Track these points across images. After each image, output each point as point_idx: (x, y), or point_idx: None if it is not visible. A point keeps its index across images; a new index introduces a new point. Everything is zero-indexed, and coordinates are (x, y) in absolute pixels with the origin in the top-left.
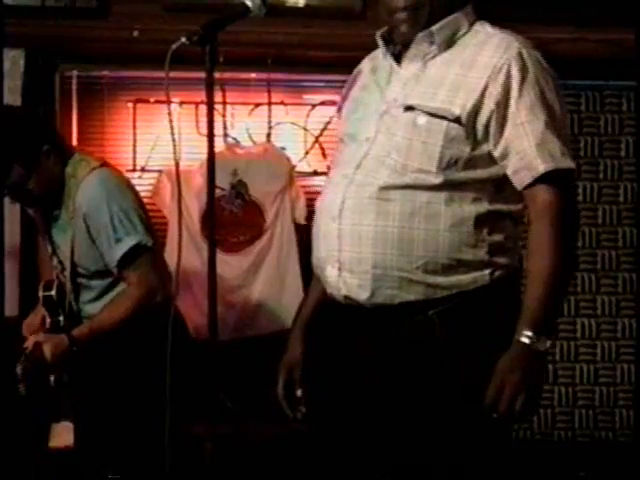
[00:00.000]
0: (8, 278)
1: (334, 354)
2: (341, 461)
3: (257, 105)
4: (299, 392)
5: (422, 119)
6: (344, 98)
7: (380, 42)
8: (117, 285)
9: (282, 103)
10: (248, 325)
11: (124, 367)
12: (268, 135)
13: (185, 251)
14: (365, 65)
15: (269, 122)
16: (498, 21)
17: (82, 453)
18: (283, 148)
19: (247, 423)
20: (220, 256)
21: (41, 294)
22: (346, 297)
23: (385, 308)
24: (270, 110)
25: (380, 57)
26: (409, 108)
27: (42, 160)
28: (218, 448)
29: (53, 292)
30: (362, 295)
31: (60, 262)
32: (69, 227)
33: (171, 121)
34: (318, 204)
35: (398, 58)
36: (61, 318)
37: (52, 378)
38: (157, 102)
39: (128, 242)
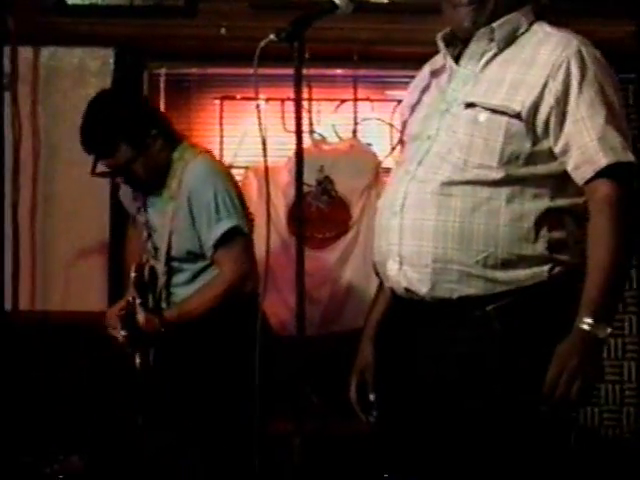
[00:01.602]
0: (97, 273)
1: (397, 351)
2: (411, 462)
3: (343, 101)
4: (372, 396)
5: (483, 116)
6: (407, 101)
7: (441, 44)
8: (208, 269)
9: (368, 99)
10: (334, 321)
11: (207, 362)
12: (354, 131)
13: (271, 247)
14: (426, 68)
15: (355, 118)
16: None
17: (154, 449)
18: (369, 144)
19: (334, 419)
20: (306, 252)
21: (133, 274)
22: (407, 290)
23: (445, 302)
24: (356, 106)
25: (440, 59)
26: (470, 105)
27: (150, 143)
28: (305, 444)
29: (145, 273)
30: (422, 289)
31: (154, 246)
32: (169, 207)
33: (259, 117)
34: (381, 200)
35: (457, 59)
36: (150, 300)
37: (137, 360)
38: (244, 99)
39: (227, 223)
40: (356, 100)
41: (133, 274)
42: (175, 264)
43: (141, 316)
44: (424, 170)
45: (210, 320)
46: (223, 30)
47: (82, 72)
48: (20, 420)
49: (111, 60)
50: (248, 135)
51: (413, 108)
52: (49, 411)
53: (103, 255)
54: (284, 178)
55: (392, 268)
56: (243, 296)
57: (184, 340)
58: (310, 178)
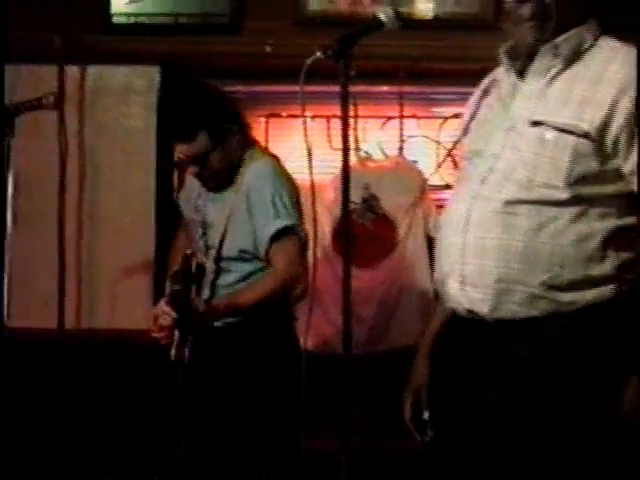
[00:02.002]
0: (142, 291)
1: (455, 368)
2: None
3: (389, 118)
4: (426, 415)
5: (550, 134)
6: (467, 116)
7: (504, 58)
8: (257, 274)
9: (414, 116)
10: (380, 340)
11: (238, 375)
12: (400, 148)
13: (317, 264)
14: (487, 81)
15: (401, 135)
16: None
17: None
18: (415, 161)
19: (380, 436)
20: (352, 270)
21: (179, 265)
22: (468, 311)
23: (508, 323)
24: (402, 123)
25: (503, 73)
26: (536, 123)
27: (228, 138)
28: (351, 462)
29: (192, 265)
30: (484, 309)
31: (206, 244)
32: (229, 202)
33: (305, 135)
34: (442, 219)
35: (521, 74)
36: (192, 292)
37: (173, 351)
38: (290, 116)
39: (284, 221)
40: (402, 117)
41: (180, 265)
42: (224, 264)
43: (190, 298)
44: (488, 188)
45: (245, 328)
46: (268, 48)
47: (127, 90)
48: (67, 438)
49: (157, 78)
50: (294, 153)
51: (473, 124)
52: (96, 429)
53: (148, 273)
54: (330, 195)
55: (453, 287)
56: (292, 299)
57: (215, 348)
58: (356, 196)
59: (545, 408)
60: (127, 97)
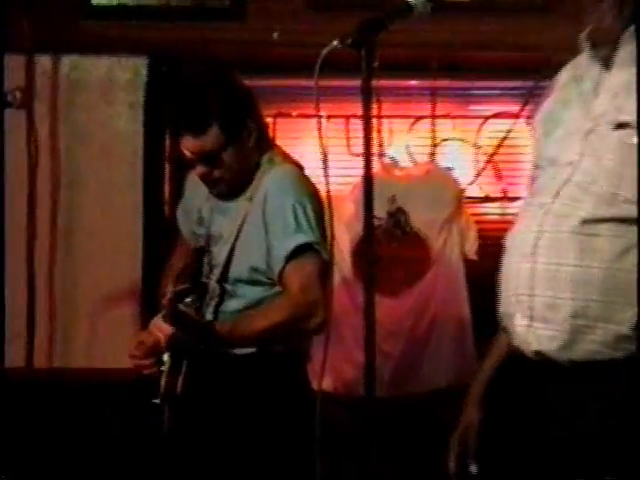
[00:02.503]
0: (128, 323)
1: (519, 423)
2: None
3: (419, 118)
4: (473, 468)
5: (637, 139)
6: (541, 116)
7: (585, 44)
8: (266, 301)
9: (448, 116)
10: (408, 380)
11: (237, 416)
12: (432, 153)
13: (335, 291)
14: (565, 74)
15: (433, 138)
16: None
17: None
18: (449, 169)
19: None
20: (376, 298)
21: (186, 262)
22: (537, 353)
23: (586, 366)
24: (434, 124)
25: (584, 64)
26: (621, 125)
27: (243, 136)
28: None
29: (205, 263)
30: (557, 349)
31: (210, 262)
32: (242, 210)
33: (320, 138)
34: (508, 239)
35: (606, 64)
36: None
37: (162, 381)
38: (301, 116)
39: (305, 237)
40: (434, 117)
41: (189, 260)
42: (230, 287)
43: (188, 309)
44: (562, 203)
45: (249, 362)
46: (276, 35)
47: (110, 85)
48: None
49: (144, 71)
50: (305, 158)
51: (547, 125)
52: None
53: (134, 303)
54: (348, 209)
55: (520, 324)
56: (307, 332)
57: (212, 382)
58: (380, 209)
59: (627, 447)
60: (109, 93)
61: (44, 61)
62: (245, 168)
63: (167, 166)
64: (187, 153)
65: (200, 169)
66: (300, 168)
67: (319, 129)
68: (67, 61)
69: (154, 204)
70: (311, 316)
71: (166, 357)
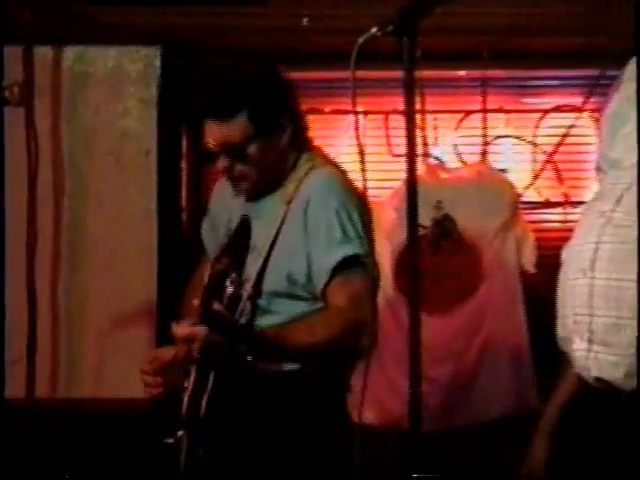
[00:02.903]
0: (140, 347)
1: (584, 458)
2: None
3: (468, 113)
4: None
5: (638, 144)
6: (610, 111)
7: None
8: (306, 317)
9: (501, 110)
10: (458, 411)
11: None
12: (483, 153)
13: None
14: (632, 66)
15: (484, 135)
16: None
17: None
18: (504, 170)
19: None
20: (422, 317)
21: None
22: (598, 379)
23: None
24: (485, 119)
25: None
26: None
27: (275, 130)
28: None
29: (216, 268)
30: (619, 377)
31: (240, 274)
32: (279, 213)
33: (357, 136)
34: (564, 251)
35: None
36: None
37: (185, 399)
38: (334, 112)
39: (353, 249)
40: (486, 112)
41: (232, 237)
42: (264, 302)
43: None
44: (624, 211)
45: (286, 382)
46: (305, 21)
47: (119, 79)
48: None
49: (157, 62)
50: (340, 161)
51: (613, 122)
52: None
53: (149, 323)
54: (388, 217)
55: (579, 348)
56: (353, 354)
57: (241, 401)
58: (424, 217)
59: None
60: (118, 88)
61: (45, 52)
62: (273, 167)
63: (184, 169)
64: (210, 142)
65: (223, 162)
66: (344, 172)
67: (356, 127)
68: (70, 52)
69: (170, 212)
70: (361, 336)
71: (193, 371)
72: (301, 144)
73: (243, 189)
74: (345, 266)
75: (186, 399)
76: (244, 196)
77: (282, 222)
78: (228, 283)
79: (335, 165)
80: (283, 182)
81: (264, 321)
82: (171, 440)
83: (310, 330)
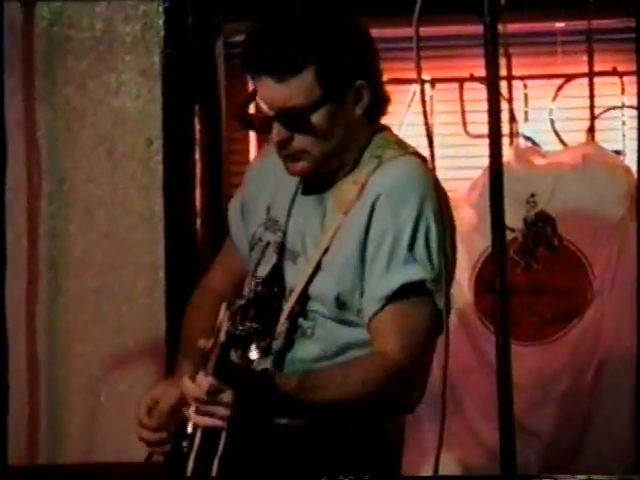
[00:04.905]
0: (152, 381)
1: None
2: None
3: (569, 79)
4: None
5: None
6: None
7: None
8: (354, 347)
9: (613, 73)
10: (562, 464)
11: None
12: (590, 130)
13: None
14: None
15: (591, 107)
16: None
17: None
18: (618, 152)
19: None
20: (513, 347)
21: (226, 312)
22: None
23: None
24: (592, 85)
25: None
26: None
27: (347, 97)
28: None
29: (242, 327)
30: None
31: (270, 344)
32: (335, 221)
33: (425, 111)
34: None
35: None
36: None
37: (190, 464)
38: (392, 81)
39: (418, 271)
40: (592, 75)
41: (227, 312)
42: (308, 323)
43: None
44: None
45: (314, 440)
46: None
47: (109, 44)
48: None
49: (159, 22)
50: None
51: None
52: None
53: (155, 364)
54: (467, 218)
55: None
56: (398, 409)
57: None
58: (514, 216)
59: None
60: (109, 57)
61: (13, 11)
62: (341, 144)
63: (198, 163)
64: (263, 106)
65: (278, 133)
66: (426, 161)
67: (422, 99)
68: (46, 10)
69: (180, 219)
70: (407, 390)
71: (191, 426)
72: (377, 120)
73: (300, 169)
74: (404, 294)
75: (191, 461)
76: (300, 176)
77: (337, 230)
78: (253, 349)
79: (415, 151)
80: (350, 167)
81: (303, 348)
82: None
83: (346, 379)
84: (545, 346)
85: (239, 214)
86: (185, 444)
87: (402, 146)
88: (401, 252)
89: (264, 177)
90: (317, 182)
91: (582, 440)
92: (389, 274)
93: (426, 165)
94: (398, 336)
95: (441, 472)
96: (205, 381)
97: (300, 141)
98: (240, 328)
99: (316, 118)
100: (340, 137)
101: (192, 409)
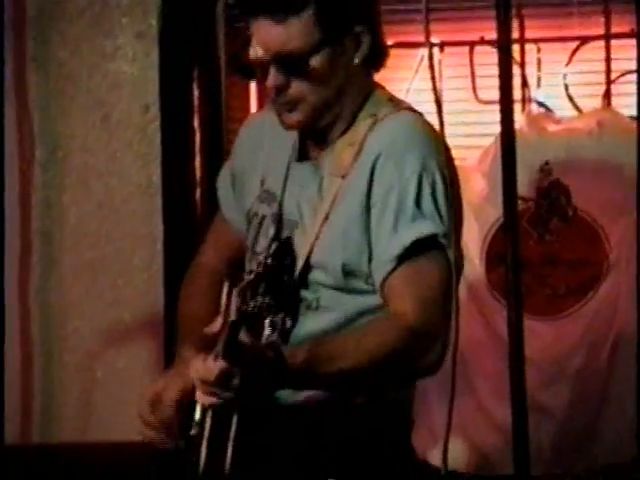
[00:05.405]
0: (147, 365)
1: None
2: None
3: (584, 41)
4: None
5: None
6: None
7: None
8: (365, 315)
9: (632, 34)
10: (578, 449)
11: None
12: (606, 95)
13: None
14: None
15: (607, 71)
16: None
17: None
18: (634, 118)
19: None
20: (526, 321)
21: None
22: None
23: None
24: (608, 48)
25: None
26: None
27: (346, 42)
28: None
29: (253, 304)
30: None
31: (285, 319)
32: (333, 186)
33: (433, 77)
34: None
35: None
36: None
37: (203, 453)
38: (399, 45)
39: (428, 226)
40: (609, 37)
41: (228, 288)
42: (311, 294)
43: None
44: None
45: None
46: None
47: (104, 5)
48: None
49: None
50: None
51: None
52: None
53: (153, 340)
54: (476, 186)
55: None
56: (415, 374)
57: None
58: (526, 185)
59: None
60: (105, 18)
61: None
62: (339, 92)
63: (198, 130)
64: (258, 51)
65: (274, 78)
66: (422, 115)
67: (430, 64)
68: None
69: (179, 189)
70: (428, 350)
71: (200, 413)
72: (375, 73)
73: (295, 120)
74: (417, 251)
75: (204, 447)
76: (295, 129)
77: (336, 196)
78: (267, 325)
79: (410, 107)
80: (345, 127)
81: (307, 322)
82: None
83: (357, 346)
84: (559, 320)
85: (230, 186)
86: (194, 431)
87: (397, 102)
88: (408, 209)
89: (254, 146)
90: (312, 144)
91: (597, 419)
92: (398, 233)
93: (424, 118)
94: (414, 296)
95: (451, 453)
96: (215, 364)
97: (297, 87)
98: (251, 304)
99: (314, 62)
100: (337, 85)
101: (201, 393)
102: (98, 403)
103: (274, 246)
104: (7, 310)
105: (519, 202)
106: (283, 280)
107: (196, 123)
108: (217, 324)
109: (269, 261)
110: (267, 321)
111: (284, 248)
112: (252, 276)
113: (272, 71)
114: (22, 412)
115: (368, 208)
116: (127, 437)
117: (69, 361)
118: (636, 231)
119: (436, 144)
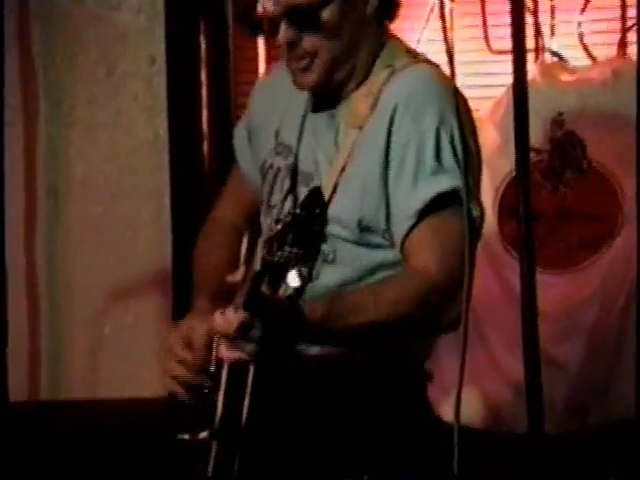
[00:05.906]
0: (156, 323)
1: None
2: None
3: None
4: None
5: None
6: None
7: None
8: (382, 269)
9: None
10: (593, 404)
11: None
12: (621, 44)
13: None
14: None
15: (623, 19)
16: None
17: None
18: None
19: None
20: (539, 275)
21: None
22: None
23: None
24: None
25: None
26: None
27: (358, 1)
28: None
29: (280, 254)
30: None
31: (311, 270)
32: (349, 137)
33: (444, 27)
34: None
35: None
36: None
37: (220, 399)
38: None
39: (449, 180)
40: None
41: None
42: (328, 248)
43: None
44: None
45: (346, 370)
46: None
47: None
48: None
49: None
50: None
51: None
52: None
53: (162, 297)
54: (489, 139)
55: None
56: (436, 330)
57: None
58: (539, 136)
59: None
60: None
61: None
62: (352, 46)
63: (205, 82)
64: (268, 5)
65: (286, 33)
66: (440, 68)
67: (441, 13)
68: None
69: (186, 143)
70: (450, 305)
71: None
72: (388, 24)
73: (310, 80)
74: (437, 206)
75: (221, 399)
76: (310, 89)
77: (353, 148)
78: (293, 276)
79: (432, 62)
80: (361, 78)
81: (324, 274)
82: (186, 436)
83: (378, 301)
84: (572, 274)
85: (246, 140)
86: (208, 383)
87: (414, 54)
88: (428, 163)
89: (270, 99)
90: (328, 97)
91: (611, 374)
92: (418, 187)
93: (441, 71)
94: (436, 251)
95: (463, 408)
96: (235, 316)
97: (309, 42)
98: (278, 254)
99: (325, 14)
100: (350, 37)
101: (220, 345)
102: (106, 359)
103: (304, 195)
104: (12, 265)
105: (532, 154)
106: (312, 230)
107: (203, 75)
108: (238, 275)
109: (298, 211)
110: (293, 272)
111: (314, 197)
112: (279, 226)
113: (283, 26)
114: (29, 369)
115: (386, 162)
116: (135, 393)
117: (76, 316)
118: (636, 232)
119: (454, 97)
